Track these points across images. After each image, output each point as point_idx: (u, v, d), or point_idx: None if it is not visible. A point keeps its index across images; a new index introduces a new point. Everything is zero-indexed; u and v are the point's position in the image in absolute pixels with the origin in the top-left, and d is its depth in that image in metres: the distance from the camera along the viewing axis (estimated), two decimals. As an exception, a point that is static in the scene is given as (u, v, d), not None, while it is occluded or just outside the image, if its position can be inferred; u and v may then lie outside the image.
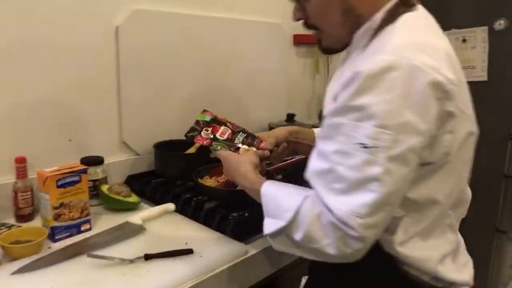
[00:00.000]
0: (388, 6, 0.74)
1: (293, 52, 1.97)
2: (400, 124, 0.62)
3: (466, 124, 0.72)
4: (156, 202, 1.25)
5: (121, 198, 1.20)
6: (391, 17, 0.72)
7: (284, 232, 0.74)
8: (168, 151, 1.41)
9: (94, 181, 1.23)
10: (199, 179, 1.26)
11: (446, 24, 0.89)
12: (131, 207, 1.21)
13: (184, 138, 1.03)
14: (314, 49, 2.05)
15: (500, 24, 1.96)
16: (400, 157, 0.63)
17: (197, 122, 1.02)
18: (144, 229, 1.07)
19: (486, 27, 1.99)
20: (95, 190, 1.23)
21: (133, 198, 1.22)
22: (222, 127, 1.02)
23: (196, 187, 1.26)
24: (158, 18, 1.39)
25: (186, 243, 1.00)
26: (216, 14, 1.58)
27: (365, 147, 0.63)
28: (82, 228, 1.07)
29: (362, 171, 0.64)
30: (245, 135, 1.03)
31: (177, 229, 1.09)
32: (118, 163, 1.37)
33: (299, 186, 0.78)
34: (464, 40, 2.08)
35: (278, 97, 1.95)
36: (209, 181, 1.26)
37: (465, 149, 0.74)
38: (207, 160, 1.39)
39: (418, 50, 0.65)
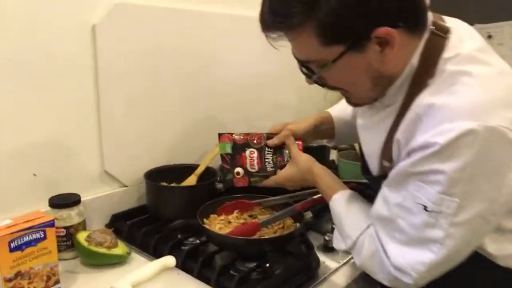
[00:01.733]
0: (420, 46, 0.68)
1: (303, 54, 1.70)
2: (467, 192, 0.61)
3: None
4: (150, 251, 0.96)
5: (104, 251, 0.90)
6: (429, 59, 0.68)
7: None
8: (162, 183, 1.13)
9: (67, 228, 0.93)
10: (205, 220, 0.98)
11: (468, 19, 0.76)
12: (119, 261, 0.92)
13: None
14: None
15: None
16: (465, 223, 0.62)
17: (222, 158, 0.96)
18: (137, 299, 0.79)
19: (515, 22, 1.80)
20: (69, 239, 0.94)
21: (121, 249, 0.93)
22: (247, 152, 0.95)
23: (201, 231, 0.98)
24: (145, 14, 1.10)
25: (197, 323, 0.72)
26: (213, 9, 1.29)
27: (426, 209, 0.63)
28: (50, 302, 0.78)
29: (422, 232, 0.64)
30: (272, 151, 0.97)
31: (182, 297, 0.80)
32: (99, 199, 1.07)
33: (366, 207, 0.78)
34: (489, 36, 1.90)
35: (286, 105, 1.67)
36: (218, 222, 0.98)
37: None
38: (213, 192, 1.11)
39: (491, 107, 0.61)
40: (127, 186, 1.14)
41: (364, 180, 1.27)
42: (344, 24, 0.63)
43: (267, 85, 1.54)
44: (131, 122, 1.12)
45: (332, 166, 1.57)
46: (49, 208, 0.94)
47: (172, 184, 1.15)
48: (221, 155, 0.96)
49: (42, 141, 0.96)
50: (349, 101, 0.79)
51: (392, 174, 0.69)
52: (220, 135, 0.97)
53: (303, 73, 0.75)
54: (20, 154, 0.93)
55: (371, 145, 0.79)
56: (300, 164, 0.89)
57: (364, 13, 0.62)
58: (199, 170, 1.16)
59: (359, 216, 0.78)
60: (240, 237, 0.87)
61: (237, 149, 0.95)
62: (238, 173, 0.94)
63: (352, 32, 0.64)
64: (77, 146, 1.03)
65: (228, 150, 0.95)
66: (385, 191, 0.71)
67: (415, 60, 0.69)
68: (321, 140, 1.18)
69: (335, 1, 0.61)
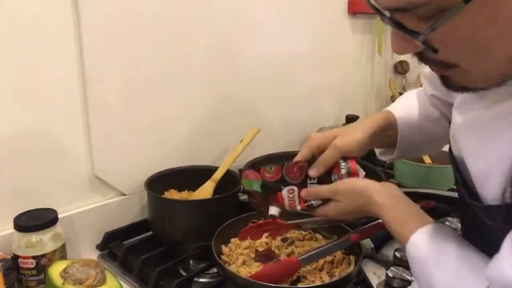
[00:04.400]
0: None
1: (347, 26, 1.39)
2: None
3: None
4: (149, 289, 0.71)
5: (84, 291, 0.66)
6: None
7: None
8: (170, 191, 0.87)
9: (38, 257, 0.69)
10: (223, 248, 0.72)
11: None
12: (105, 305, 0.68)
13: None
14: (375, 21, 1.46)
15: None
16: None
17: (250, 195, 0.69)
18: None
19: None
20: (41, 272, 0.70)
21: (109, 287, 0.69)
22: (285, 191, 0.67)
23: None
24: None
25: None
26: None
27: None
28: None
29: None
30: (316, 182, 0.66)
31: None
32: (88, 213, 0.82)
33: (471, 253, 0.51)
34: None
35: (328, 90, 1.37)
36: (241, 252, 0.71)
37: None
38: (235, 206, 0.84)
39: None
40: (125, 195, 0.88)
41: (441, 191, 0.97)
42: None
43: (303, 66, 1.25)
44: (129, 112, 0.86)
45: (384, 166, 1.27)
46: (14, 231, 0.70)
47: (183, 193, 0.90)
48: (248, 192, 0.69)
49: (9, 137, 0.72)
50: (449, 82, 0.47)
51: None
52: (241, 172, 0.69)
53: (399, 27, 0.41)
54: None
55: (487, 155, 0.50)
56: (355, 196, 0.62)
57: None
58: (217, 175, 0.89)
59: (462, 272, 0.50)
60: (272, 285, 0.60)
61: (270, 188, 0.68)
62: (272, 215, 0.67)
63: None
64: (58, 143, 0.78)
65: (257, 188, 0.68)
66: None
67: None
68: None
69: None
